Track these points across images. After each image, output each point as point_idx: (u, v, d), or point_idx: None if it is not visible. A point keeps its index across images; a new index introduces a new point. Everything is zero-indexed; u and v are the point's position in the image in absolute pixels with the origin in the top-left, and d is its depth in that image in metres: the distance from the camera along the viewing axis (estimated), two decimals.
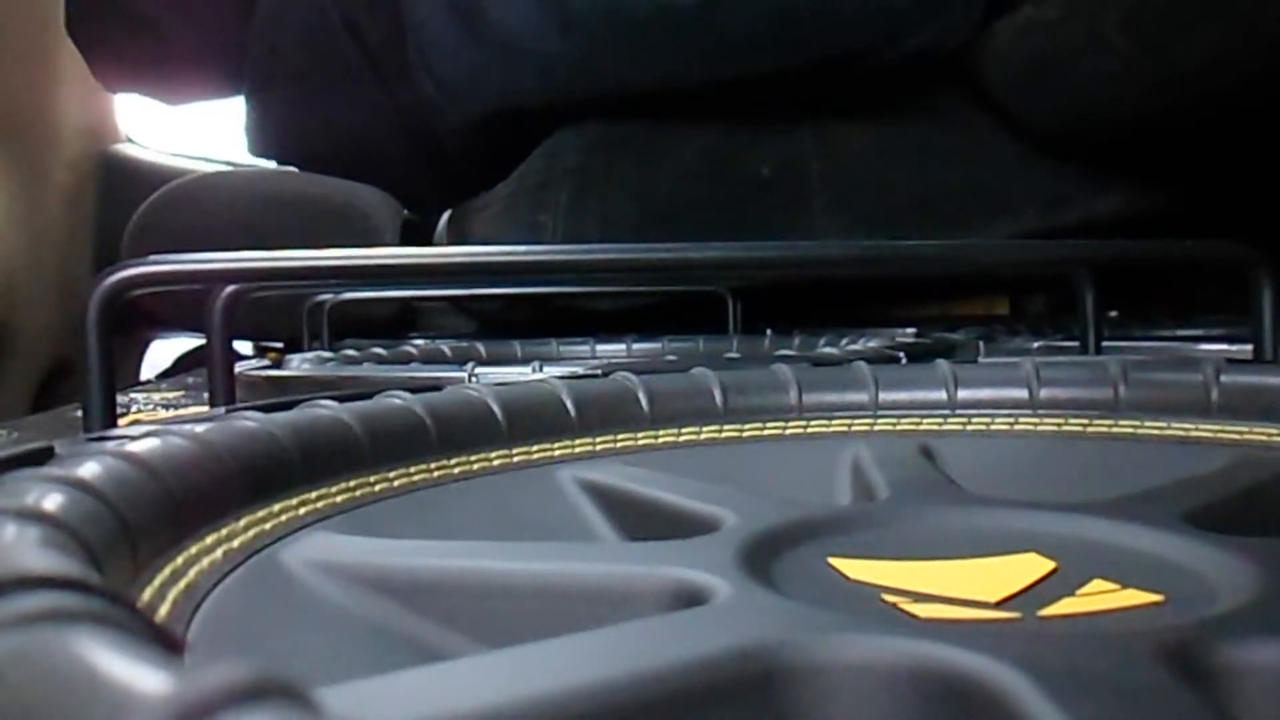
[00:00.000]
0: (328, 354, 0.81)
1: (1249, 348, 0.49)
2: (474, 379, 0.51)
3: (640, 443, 0.30)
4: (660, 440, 0.30)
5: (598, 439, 0.29)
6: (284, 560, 0.20)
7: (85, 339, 0.35)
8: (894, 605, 0.18)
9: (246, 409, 0.25)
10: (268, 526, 0.21)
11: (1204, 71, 0.93)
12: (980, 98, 1.12)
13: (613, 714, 0.13)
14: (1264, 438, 0.29)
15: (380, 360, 0.82)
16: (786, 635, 0.15)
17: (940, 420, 0.32)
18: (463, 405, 0.28)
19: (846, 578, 0.19)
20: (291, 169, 1.51)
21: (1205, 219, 1.03)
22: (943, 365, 0.33)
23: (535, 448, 0.28)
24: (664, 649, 0.14)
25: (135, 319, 1.45)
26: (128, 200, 1.44)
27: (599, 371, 0.33)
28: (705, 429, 0.31)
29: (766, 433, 0.31)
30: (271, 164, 1.55)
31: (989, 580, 0.19)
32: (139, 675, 0.08)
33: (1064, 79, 1.03)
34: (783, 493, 0.27)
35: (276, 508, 0.22)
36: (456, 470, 0.26)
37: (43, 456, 0.19)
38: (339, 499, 0.23)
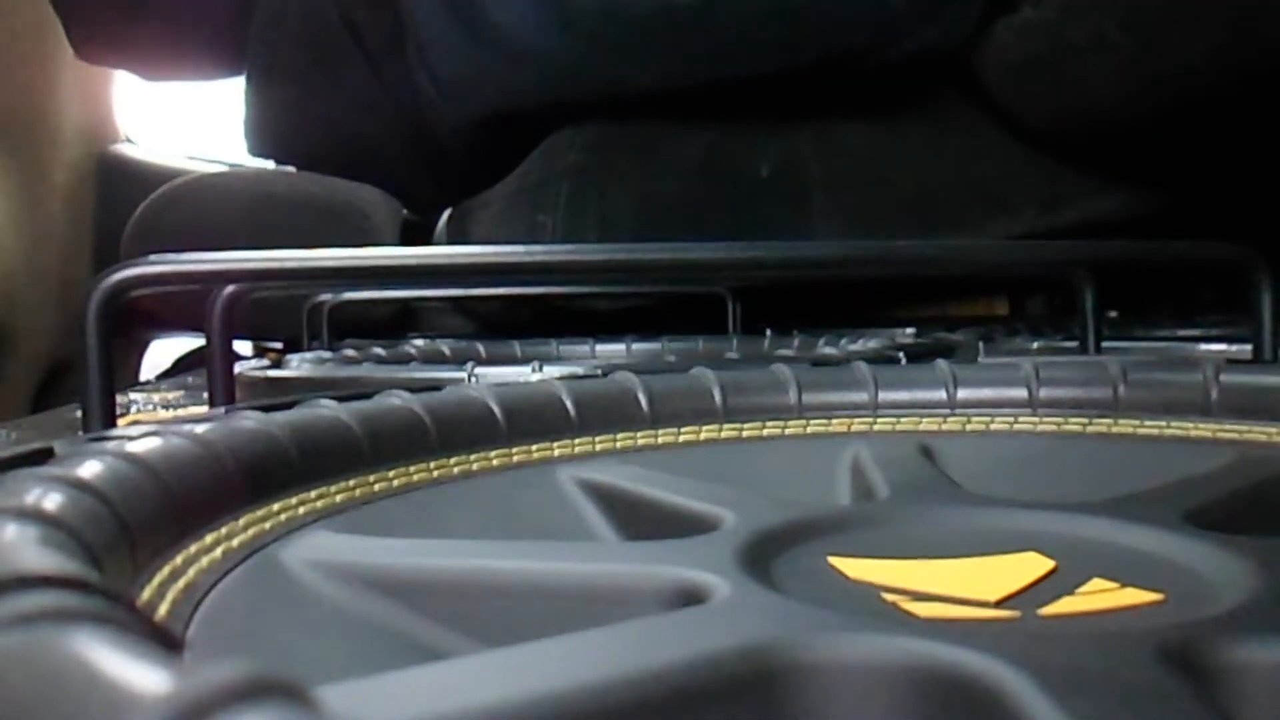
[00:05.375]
0: (327, 354, 0.81)
1: (1248, 348, 0.49)
2: (474, 379, 0.51)
3: (640, 442, 0.30)
4: (660, 440, 0.30)
5: (597, 439, 0.29)
6: (283, 559, 0.20)
7: (85, 339, 0.35)
8: (894, 604, 0.18)
9: (246, 409, 0.25)
10: (267, 526, 0.21)
11: (1204, 71, 0.93)
12: (980, 98, 1.12)
13: (612, 713, 0.13)
14: (1263, 437, 0.29)
15: (380, 360, 0.82)
16: (786, 634, 0.15)
17: (940, 420, 0.32)
18: (462, 405, 0.28)
19: (846, 577, 0.19)
20: (290, 169, 1.51)
21: (1205, 219, 1.03)
22: (942, 365, 0.33)
23: (535, 447, 0.28)
24: (663, 648, 0.14)
25: (135, 319, 1.46)
26: (127, 201, 1.44)
27: (599, 372, 0.33)
28: (705, 429, 0.31)
29: (766, 432, 0.31)
30: (270, 164, 1.55)
31: (989, 579, 0.19)
32: (138, 674, 0.08)
33: (1064, 79, 1.03)
34: (782, 492, 0.27)
35: (276, 507, 0.22)
36: (456, 470, 0.26)
37: (42, 457, 0.19)
38: (338, 498, 0.23)
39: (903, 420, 0.32)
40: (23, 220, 1.51)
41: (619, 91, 1.16)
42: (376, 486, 0.24)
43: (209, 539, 0.19)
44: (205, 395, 0.46)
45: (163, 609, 0.17)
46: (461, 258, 0.48)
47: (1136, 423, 0.30)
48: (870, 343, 0.74)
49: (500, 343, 0.96)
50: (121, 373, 1.54)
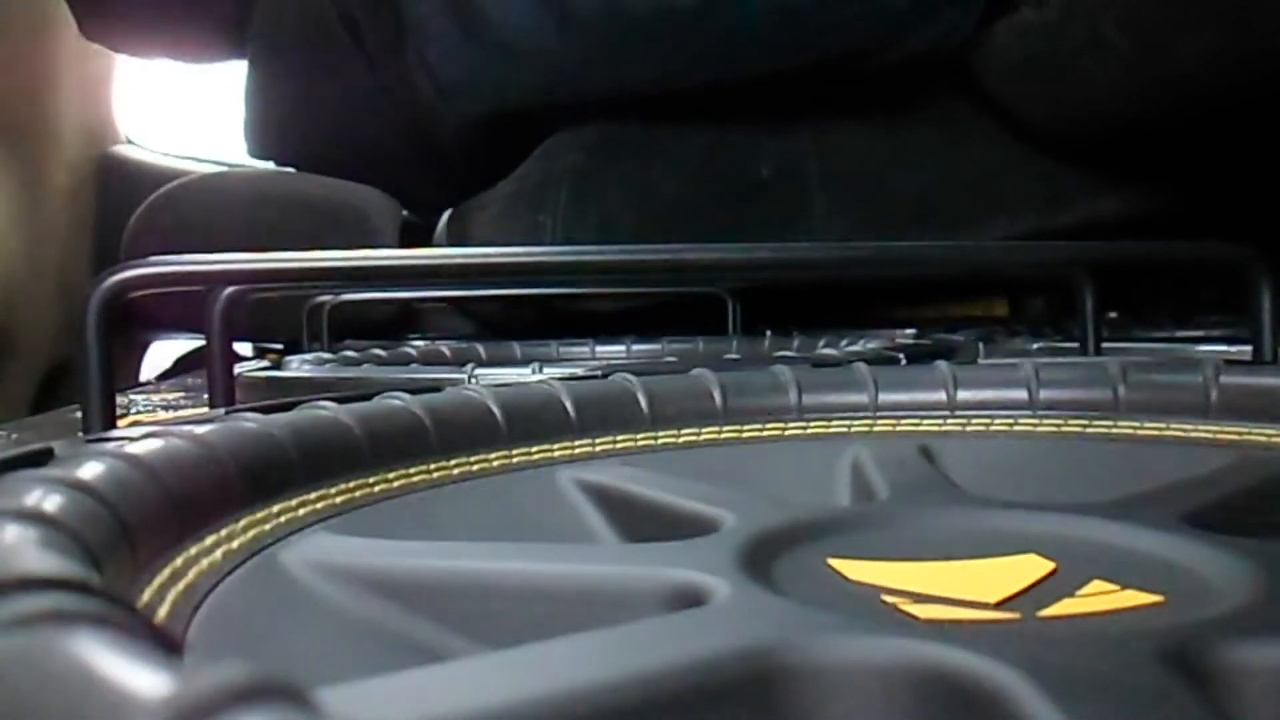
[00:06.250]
0: (327, 355, 0.81)
1: (1248, 349, 0.49)
2: (473, 380, 0.51)
3: (640, 444, 0.30)
4: (660, 441, 0.30)
5: (597, 440, 0.29)
6: (283, 561, 0.20)
7: (84, 340, 0.35)
8: (894, 606, 0.18)
9: (246, 410, 0.25)
10: (267, 527, 0.21)
11: (1203, 72, 0.93)
12: (980, 98, 1.12)
13: (612, 715, 0.13)
14: (1263, 438, 0.29)
15: (380, 361, 0.82)
16: (786, 636, 0.15)
17: (940, 421, 0.32)
18: (462, 406, 0.28)
19: (846, 578, 0.19)
20: (290, 169, 1.51)
21: (1204, 220, 1.03)
22: (942, 366, 0.33)
23: (535, 449, 0.28)
24: (664, 650, 0.14)
25: (135, 320, 1.45)
26: (127, 201, 1.44)
27: (599, 373, 0.33)
28: (705, 430, 0.31)
29: (766, 434, 0.31)
30: (270, 165, 1.55)
31: (989, 581, 0.19)
32: (138, 676, 0.08)
33: (1064, 79, 1.03)
34: (782, 494, 0.27)
35: (276, 509, 0.22)
36: (456, 471, 0.26)
37: (42, 458, 0.19)
38: (338, 500, 0.23)
39: (903, 421, 0.32)
40: (23, 220, 1.51)
41: (619, 91, 1.16)
42: (376, 488, 0.24)
43: (209, 540, 0.19)
44: (205, 396, 0.46)
45: (163, 611, 0.17)
46: (461, 258, 0.48)
47: (1136, 424, 0.30)
48: (870, 344, 0.74)
49: (500, 344, 0.96)
50: (121, 373, 1.54)
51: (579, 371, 0.36)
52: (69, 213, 1.63)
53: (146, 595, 0.17)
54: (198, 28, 1.54)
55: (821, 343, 0.82)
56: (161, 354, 1.68)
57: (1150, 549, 0.21)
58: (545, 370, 0.52)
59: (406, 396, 0.27)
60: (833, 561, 0.20)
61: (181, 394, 0.75)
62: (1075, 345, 0.60)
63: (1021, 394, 0.32)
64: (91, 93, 1.68)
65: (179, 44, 1.60)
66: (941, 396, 0.32)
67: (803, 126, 1.17)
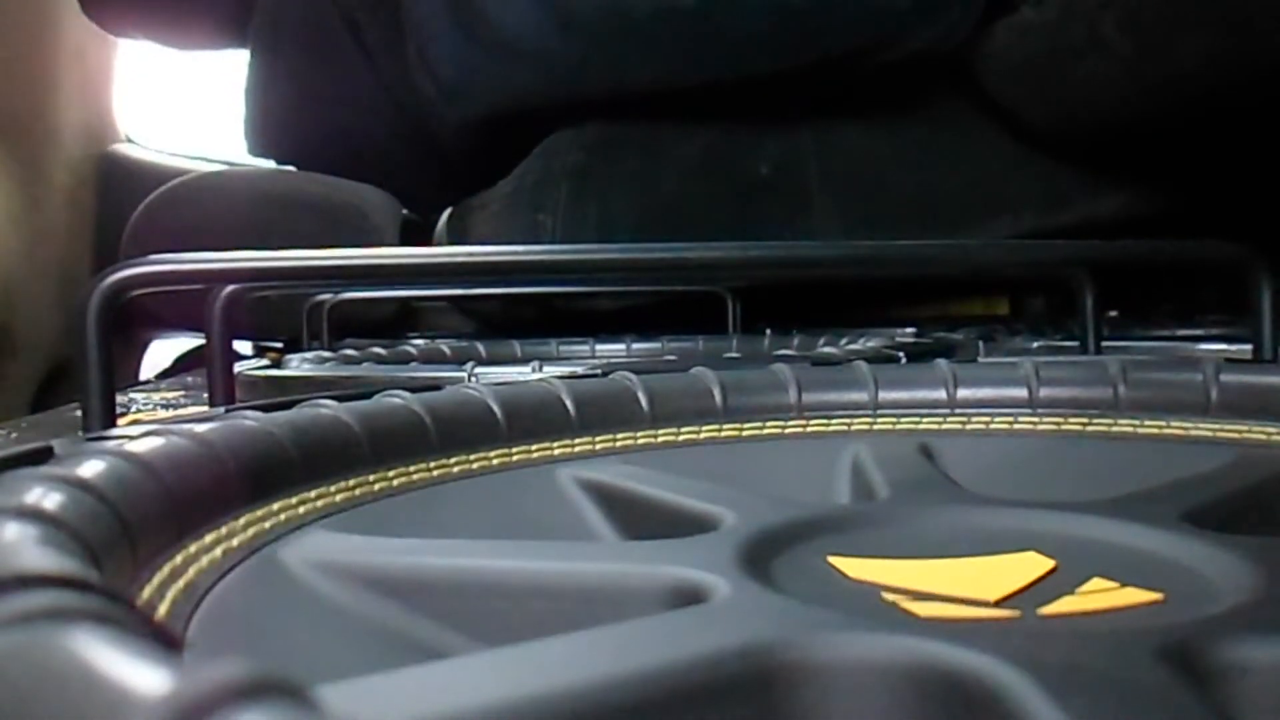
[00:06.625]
0: (327, 354, 0.81)
1: (1248, 348, 0.49)
2: (473, 379, 0.51)
3: (640, 442, 0.30)
4: (660, 439, 0.30)
5: (597, 438, 0.29)
6: (283, 559, 0.20)
7: (84, 339, 0.35)
8: (894, 604, 0.18)
9: (246, 408, 0.25)
10: (267, 525, 0.21)
11: (1203, 72, 0.93)
12: (980, 98, 1.12)
13: (612, 713, 0.13)
14: (1263, 437, 0.29)
15: (380, 360, 0.82)
16: (786, 634, 0.15)
17: (940, 420, 0.32)
18: (462, 404, 0.28)
19: (846, 576, 0.19)
20: (291, 168, 1.51)
21: (1205, 219, 1.03)
22: (942, 365, 0.33)
23: (535, 447, 0.28)
24: (663, 648, 0.14)
25: (135, 319, 1.45)
26: (127, 200, 1.44)
27: (598, 371, 0.33)
28: (705, 428, 0.31)
29: (766, 432, 0.31)
30: (270, 164, 1.55)
31: (988, 579, 0.19)
32: (137, 673, 0.08)
33: (1063, 80, 1.03)
34: (782, 492, 0.27)
35: (276, 507, 0.22)
36: (456, 469, 0.26)
37: (42, 456, 0.19)
38: (338, 498, 0.23)
39: (903, 420, 0.32)
40: (23, 220, 1.51)
41: (619, 91, 1.16)
42: (376, 486, 0.24)
43: (209, 538, 0.19)
44: (205, 395, 0.46)
45: (162, 608, 0.17)
46: (461, 258, 0.48)
47: (1136, 422, 0.30)
48: (870, 342, 0.74)
49: (500, 342, 0.96)
50: (121, 372, 1.54)
51: (579, 370, 0.36)
52: (69, 212, 1.63)
53: (146, 593, 0.17)
54: (200, 13, 1.54)
55: (821, 341, 0.82)
56: (161, 353, 1.68)
57: (1150, 547, 0.21)
58: (545, 369, 0.52)
59: (406, 395, 0.27)
60: (832, 559, 0.20)
61: (181, 392, 0.75)
62: (1075, 344, 0.60)
63: (1021, 392, 0.32)
64: (91, 92, 1.68)
65: (180, 29, 1.60)
66: (941, 395, 0.32)
67: (803, 126, 1.17)
